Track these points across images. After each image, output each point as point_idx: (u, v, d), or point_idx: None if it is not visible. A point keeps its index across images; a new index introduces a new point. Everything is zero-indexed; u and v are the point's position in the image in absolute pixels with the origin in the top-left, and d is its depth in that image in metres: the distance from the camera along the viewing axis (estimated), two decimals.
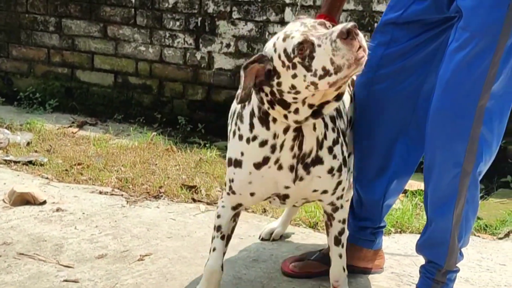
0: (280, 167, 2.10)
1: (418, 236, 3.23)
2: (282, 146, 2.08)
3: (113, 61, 5.72)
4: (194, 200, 3.54)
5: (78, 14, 5.79)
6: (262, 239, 3.07)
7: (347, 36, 1.79)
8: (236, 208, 2.31)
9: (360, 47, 1.82)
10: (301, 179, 2.13)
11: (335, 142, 2.17)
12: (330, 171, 2.16)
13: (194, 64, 5.41)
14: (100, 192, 3.59)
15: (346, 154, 2.25)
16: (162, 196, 3.58)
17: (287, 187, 2.15)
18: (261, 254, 2.92)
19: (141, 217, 3.28)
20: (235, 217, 2.35)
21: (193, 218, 3.31)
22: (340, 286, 2.43)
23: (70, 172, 3.93)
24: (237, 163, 2.16)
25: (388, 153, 2.63)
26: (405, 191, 3.91)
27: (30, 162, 4.07)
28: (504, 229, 3.55)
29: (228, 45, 5.27)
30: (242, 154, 2.14)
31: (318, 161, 2.13)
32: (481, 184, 4.26)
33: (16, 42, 6.06)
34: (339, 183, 2.22)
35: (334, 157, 2.16)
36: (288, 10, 5.02)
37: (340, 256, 2.41)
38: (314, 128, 2.09)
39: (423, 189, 3.92)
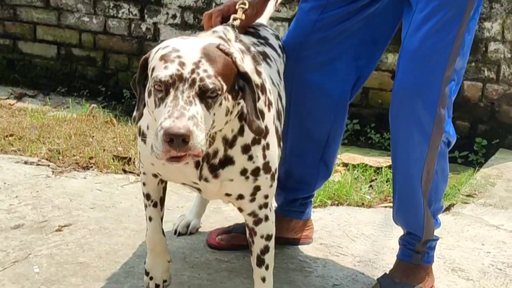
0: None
1: (355, 208, 3.21)
2: None
3: (56, 32, 5.54)
4: (124, 172, 3.40)
5: None
6: (179, 234, 2.77)
7: (168, 140, 1.59)
8: (156, 176, 2.13)
9: (173, 157, 1.62)
10: (207, 180, 1.91)
11: (255, 141, 1.90)
12: (243, 173, 1.91)
13: (139, 35, 5.25)
14: (26, 162, 3.43)
15: (271, 159, 1.96)
16: (92, 167, 3.44)
17: (195, 183, 1.96)
18: None
19: (65, 188, 3.14)
20: (161, 182, 2.16)
21: (121, 189, 3.18)
22: None
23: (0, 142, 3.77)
24: (143, 136, 1.97)
25: (319, 124, 2.53)
26: (346, 164, 3.82)
27: None
28: (445, 202, 3.47)
29: (174, 16, 5.12)
30: (147, 127, 1.94)
31: (227, 161, 1.89)
32: None
33: None
34: (257, 188, 1.95)
35: (250, 158, 1.90)
36: None
37: (263, 279, 2.10)
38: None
39: (365, 163, 3.87)
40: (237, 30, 2.04)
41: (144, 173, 2.14)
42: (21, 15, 5.64)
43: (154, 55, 1.73)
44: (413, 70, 2.15)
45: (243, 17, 2.15)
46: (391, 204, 2.55)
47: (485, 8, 4.30)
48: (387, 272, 2.39)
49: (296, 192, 2.63)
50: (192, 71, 1.65)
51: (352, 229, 2.92)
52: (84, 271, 2.40)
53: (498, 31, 4.35)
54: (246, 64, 1.84)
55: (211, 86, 1.64)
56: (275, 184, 2.02)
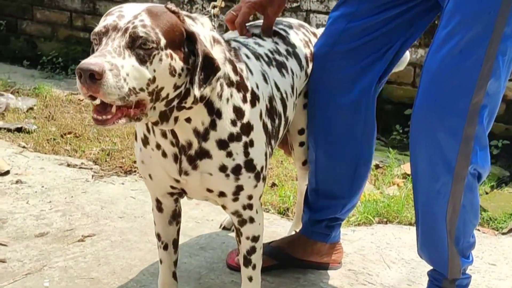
0: (164, 154, 1.81)
1: (404, 228, 2.97)
2: (151, 130, 1.81)
3: None
4: None
5: None
6: (224, 228, 2.81)
7: (78, 75, 1.47)
8: (159, 207, 2.04)
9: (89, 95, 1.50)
10: (187, 173, 1.81)
11: (234, 138, 1.79)
12: (223, 169, 1.80)
13: None
14: (68, 165, 3.41)
15: (255, 157, 1.84)
16: (134, 171, 3.37)
17: (177, 181, 1.85)
18: (211, 242, 2.68)
19: (100, 194, 3.09)
20: (173, 220, 2.08)
21: None
22: None
23: (54, 141, 3.77)
24: (135, 137, 1.92)
25: (347, 138, 2.34)
26: (407, 176, 3.56)
27: (19, 129, 3.93)
28: (510, 223, 3.17)
29: None
30: (136, 125, 1.88)
31: (204, 154, 1.79)
32: (504, 171, 3.91)
33: (39, 5, 5.94)
34: (240, 187, 1.84)
35: (229, 155, 1.79)
36: None
37: (250, 279, 2.04)
38: (188, 120, 1.73)
39: (406, 172, 3.61)
40: (214, 19, 1.92)
41: (152, 209, 2.09)
42: (100, 9, 5.67)
43: None
44: (434, 93, 1.92)
45: (222, 4, 2.03)
46: None
47: None
48: None
49: (321, 212, 2.45)
50: (128, 22, 1.55)
51: (392, 252, 2.70)
52: (94, 287, 2.32)
53: None
54: (215, 53, 1.70)
55: (141, 34, 1.53)
56: (260, 184, 1.89)
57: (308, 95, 2.30)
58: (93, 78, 1.45)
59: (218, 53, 1.73)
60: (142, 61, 1.53)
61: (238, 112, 1.79)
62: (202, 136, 1.76)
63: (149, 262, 2.50)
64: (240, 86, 1.81)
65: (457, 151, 1.91)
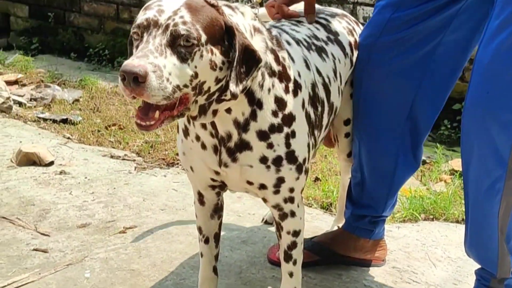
0: (203, 146, 1.78)
1: (451, 225, 2.89)
2: (187, 122, 1.78)
3: None
4: None
5: None
6: (266, 222, 2.78)
7: (122, 78, 1.45)
8: (201, 200, 2.02)
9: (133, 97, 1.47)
10: (226, 165, 1.77)
11: (275, 129, 1.74)
12: (263, 161, 1.76)
13: None
14: (112, 157, 3.41)
15: (297, 148, 1.80)
16: (176, 164, 3.35)
17: (217, 173, 1.82)
18: (252, 236, 2.65)
19: (142, 186, 3.08)
20: (214, 213, 2.05)
21: None
22: None
23: (98, 133, 3.79)
24: (177, 128, 1.90)
25: (394, 132, 2.28)
26: (455, 172, 3.47)
27: (64, 120, 3.96)
28: None
29: None
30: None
31: (244, 146, 1.74)
32: None
33: None
34: (281, 179, 1.80)
35: (270, 146, 1.75)
36: None
37: (291, 274, 2.00)
38: (229, 111, 1.69)
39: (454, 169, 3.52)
40: (257, 10, 1.87)
41: (194, 202, 2.06)
42: (146, 1, 5.67)
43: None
44: (486, 86, 1.84)
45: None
46: None
47: None
48: None
49: (365, 208, 2.39)
50: (168, 18, 1.51)
51: (438, 250, 2.63)
52: (134, 279, 2.31)
53: None
54: (255, 42, 1.66)
55: (182, 32, 1.50)
56: (302, 177, 1.83)
57: (353, 85, 2.25)
58: (137, 80, 1.43)
59: (259, 43, 1.69)
60: (184, 59, 1.50)
61: (280, 102, 1.74)
62: (242, 127, 1.72)
63: (189, 255, 2.48)
64: (283, 76, 1.76)
65: (510, 145, 1.84)
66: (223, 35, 1.58)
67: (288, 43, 1.88)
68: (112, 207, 2.85)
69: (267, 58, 1.71)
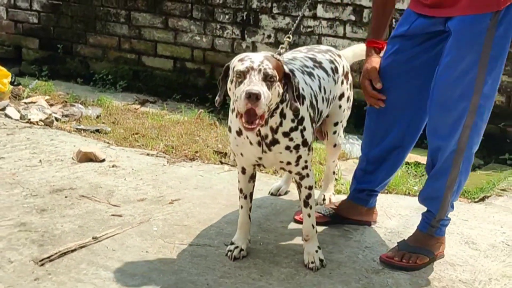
0: (250, 143, 2.89)
1: (401, 196, 4.04)
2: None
3: (173, 48, 6.67)
4: (221, 163, 4.40)
5: (144, 8, 6.75)
6: (272, 194, 3.87)
7: (248, 96, 2.54)
8: (244, 172, 3.09)
9: (250, 108, 2.56)
10: (266, 152, 2.87)
11: (293, 129, 2.84)
12: (287, 148, 2.86)
13: (240, 52, 6.25)
14: (148, 154, 4.49)
15: (307, 136, 2.89)
16: (197, 159, 4.45)
17: (260, 158, 2.93)
18: (263, 203, 3.74)
19: (176, 173, 4.16)
20: (251, 179, 3.14)
21: (217, 175, 4.17)
22: (310, 240, 3.06)
23: (127, 139, 4.86)
24: (229, 129, 2.99)
25: (397, 135, 3.31)
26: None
27: (97, 130, 5.02)
28: (480, 194, 4.23)
29: (269, 36, 6.09)
30: (231, 121, 2.96)
31: (275, 142, 2.84)
32: (479, 160, 4.98)
33: (92, 31, 7.08)
34: (299, 157, 2.90)
35: (290, 139, 2.85)
36: (319, 6, 5.80)
37: (309, 215, 3.04)
38: (266, 123, 2.77)
39: (418, 161, 4.69)
40: (282, 55, 3.00)
41: (238, 173, 3.12)
42: (144, 34, 6.80)
43: (234, 61, 2.74)
44: (444, 100, 2.96)
45: (287, 46, 3.11)
46: None
47: None
48: (405, 239, 3.24)
49: (365, 184, 3.44)
50: (259, 65, 2.64)
51: (392, 210, 3.76)
52: (188, 230, 3.37)
53: None
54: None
55: (270, 72, 2.64)
56: (311, 153, 2.98)
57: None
58: (256, 98, 2.54)
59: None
60: (269, 88, 2.63)
61: (296, 111, 2.81)
62: (274, 131, 2.85)
63: (223, 216, 3.53)
64: (297, 95, 2.87)
65: (460, 133, 2.95)
66: (282, 77, 2.74)
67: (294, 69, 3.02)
68: (159, 188, 3.91)
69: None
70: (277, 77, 2.66)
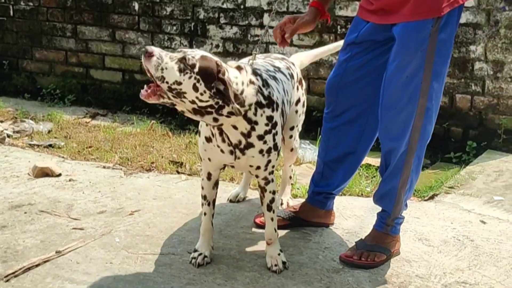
0: (222, 151, 2.94)
1: (355, 197, 4.17)
2: (214, 135, 2.93)
3: (121, 61, 6.68)
4: (178, 172, 4.45)
5: (90, 21, 6.75)
6: (230, 201, 3.93)
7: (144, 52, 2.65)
8: (209, 178, 3.14)
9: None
10: (239, 158, 2.90)
11: (267, 132, 2.87)
12: (261, 152, 2.89)
13: None
14: (104, 167, 4.51)
15: (278, 140, 2.94)
16: (153, 169, 4.50)
17: (232, 163, 2.99)
18: (223, 210, 3.81)
19: (134, 185, 4.20)
20: (215, 186, 3.19)
21: (175, 185, 4.22)
22: (272, 243, 3.13)
23: (82, 153, 4.87)
24: (199, 133, 3.06)
25: (352, 140, 3.43)
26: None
27: (50, 145, 5.02)
28: (430, 193, 4.39)
29: (217, 46, 6.18)
30: (201, 126, 3.03)
31: (249, 145, 2.87)
32: (426, 159, 5.15)
33: (38, 46, 7.05)
34: (269, 161, 2.94)
35: (264, 142, 2.88)
36: (266, 15, 5.92)
37: (272, 219, 3.10)
38: (235, 127, 2.82)
39: (368, 162, 4.83)
40: (252, 65, 3.03)
41: (202, 179, 3.17)
42: (92, 47, 6.80)
43: None
44: (392, 104, 3.08)
45: (255, 58, 3.16)
46: None
47: (470, 34, 5.22)
48: (363, 238, 3.36)
49: (322, 187, 3.53)
50: (188, 52, 2.73)
51: (347, 211, 3.88)
52: (150, 240, 3.42)
53: (481, 53, 5.26)
54: (248, 89, 2.83)
55: (189, 58, 2.67)
56: (278, 157, 3.04)
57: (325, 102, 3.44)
58: (148, 55, 2.65)
59: (250, 90, 2.85)
60: (180, 70, 2.64)
61: (270, 118, 2.88)
62: (247, 135, 2.89)
63: (184, 224, 3.59)
64: (269, 104, 2.92)
65: (409, 135, 3.07)
66: (212, 80, 2.71)
67: (269, 77, 3.06)
68: (118, 199, 3.95)
69: (257, 98, 2.87)
70: (196, 69, 2.66)
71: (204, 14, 6.20)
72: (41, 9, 6.94)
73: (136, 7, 6.50)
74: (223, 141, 2.93)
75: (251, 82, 2.89)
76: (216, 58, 2.79)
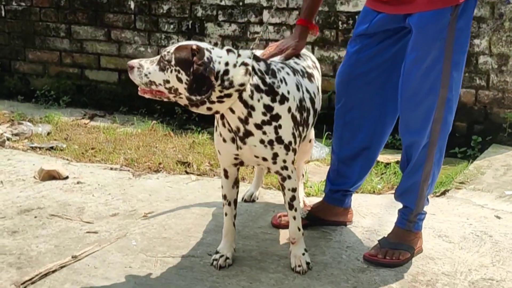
0: (224, 140, 2.90)
1: (368, 195, 4.11)
2: (218, 122, 2.90)
3: (117, 61, 6.57)
4: (187, 173, 4.37)
5: (85, 21, 6.63)
6: (245, 201, 3.85)
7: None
8: (226, 175, 3.06)
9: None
10: (241, 148, 2.84)
11: (265, 122, 2.79)
12: (262, 142, 2.81)
13: None
14: (111, 169, 4.42)
15: (283, 134, 2.83)
16: (161, 170, 4.41)
17: (236, 154, 2.92)
18: (238, 210, 3.60)
19: (144, 186, 4.11)
20: (234, 185, 3.11)
21: (186, 186, 4.15)
22: (296, 242, 3.06)
23: (85, 154, 4.77)
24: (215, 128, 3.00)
25: (366, 135, 3.37)
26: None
27: (51, 147, 4.90)
28: (441, 189, 4.35)
29: (215, 44, 6.10)
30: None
31: (249, 134, 2.80)
32: None
33: (31, 47, 6.91)
34: (276, 154, 2.84)
35: (264, 133, 2.80)
36: (265, 12, 5.85)
37: (294, 218, 3.02)
38: (233, 111, 2.76)
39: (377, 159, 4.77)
40: (253, 54, 2.90)
41: (221, 177, 3.10)
42: (87, 47, 6.68)
43: None
44: (413, 96, 3.04)
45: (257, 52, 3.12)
46: None
47: (474, 28, 5.19)
48: (386, 236, 3.30)
49: (339, 185, 3.48)
50: (166, 52, 2.74)
51: (363, 209, 3.82)
52: (168, 242, 3.34)
53: (486, 46, 5.24)
54: (237, 70, 2.75)
55: (165, 55, 2.71)
56: (290, 153, 2.90)
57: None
58: (129, 68, 2.80)
59: (240, 70, 2.75)
60: (162, 69, 2.71)
61: (268, 107, 2.80)
62: (244, 121, 2.80)
63: (200, 225, 3.52)
64: (269, 92, 2.84)
65: (431, 127, 3.02)
66: (190, 65, 2.64)
67: (288, 73, 2.99)
68: (129, 201, 3.86)
69: (253, 80, 2.78)
70: (172, 62, 2.66)
71: (202, 11, 6.12)
72: (33, 9, 6.81)
73: (132, 6, 6.40)
74: (224, 125, 2.88)
75: (243, 64, 2.78)
76: (194, 42, 2.75)
